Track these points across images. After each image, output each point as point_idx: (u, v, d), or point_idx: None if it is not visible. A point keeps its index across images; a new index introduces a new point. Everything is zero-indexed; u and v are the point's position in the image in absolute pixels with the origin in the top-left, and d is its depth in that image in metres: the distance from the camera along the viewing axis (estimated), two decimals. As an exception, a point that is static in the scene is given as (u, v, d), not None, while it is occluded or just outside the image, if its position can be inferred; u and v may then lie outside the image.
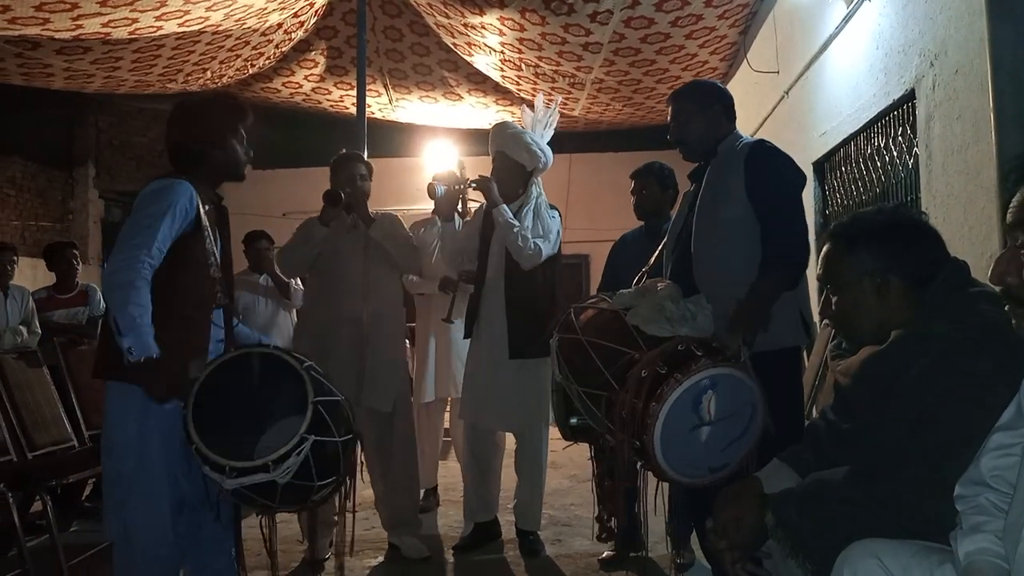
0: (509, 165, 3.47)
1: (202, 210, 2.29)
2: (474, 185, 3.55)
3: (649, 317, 2.21)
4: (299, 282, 5.09)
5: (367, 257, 3.41)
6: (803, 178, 2.54)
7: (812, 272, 2.35)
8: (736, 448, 2.14)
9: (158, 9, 4.93)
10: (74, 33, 5.14)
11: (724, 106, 2.62)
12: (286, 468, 2.06)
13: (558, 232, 3.51)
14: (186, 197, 2.23)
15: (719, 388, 2.07)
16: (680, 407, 2.03)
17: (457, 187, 3.59)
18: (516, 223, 3.38)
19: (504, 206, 3.40)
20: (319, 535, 3.31)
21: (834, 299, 1.75)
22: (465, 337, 3.65)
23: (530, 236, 3.37)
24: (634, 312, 2.24)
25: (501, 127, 3.59)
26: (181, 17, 5.18)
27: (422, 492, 4.22)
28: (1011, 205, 1.23)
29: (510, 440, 3.68)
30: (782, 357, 2.41)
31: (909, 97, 3.18)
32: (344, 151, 3.62)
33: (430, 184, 3.48)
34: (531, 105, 3.59)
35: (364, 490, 3.27)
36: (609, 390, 2.16)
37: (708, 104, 2.60)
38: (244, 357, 2.26)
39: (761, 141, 2.61)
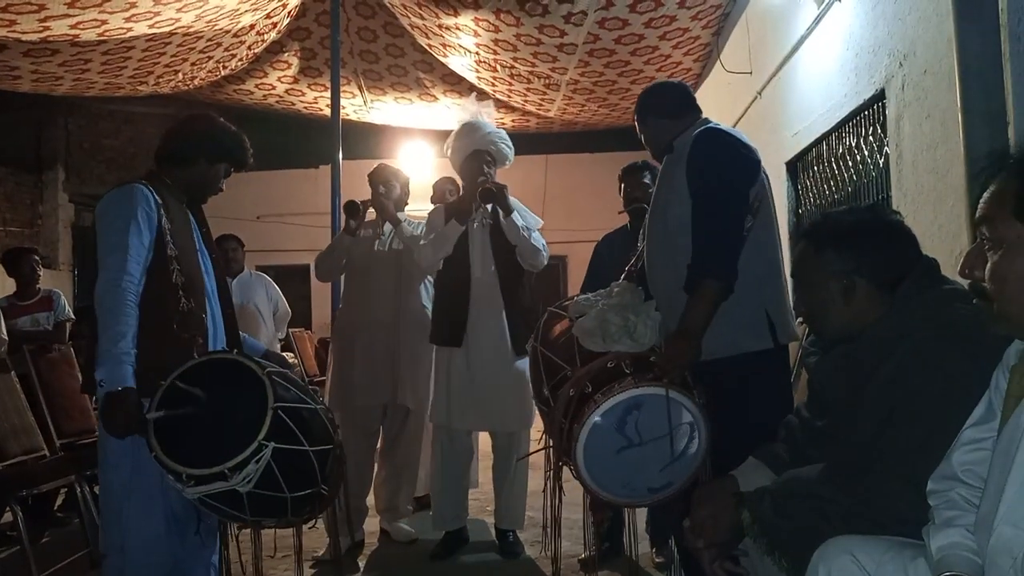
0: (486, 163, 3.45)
1: (163, 213, 2.20)
2: (491, 186, 3.34)
3: (589, 330, 2.15)
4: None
5: (399, 260, 3.63)
6: (747, 170, 2.27)
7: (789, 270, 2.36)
8: (680, 468, 2.07)
9: (128, 10, 4.86)
10: (41, 35, 5.06)
11: (665, 111, 2.48)
12: (245, 476, 1.94)
13: None
14: (144, 201, 2.16)
15: (646, 408, 1.99)
16: (602, 428, 1.97)
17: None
18: (529, 228, 3.39)
19: (517, 212, 3.38)
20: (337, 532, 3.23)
21: (804, 297, 1.76)
22: (451, 344, 3.42)
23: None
24: (579, 323, 2.19)
25: (474, 126, 3.49)
26: (151, 19, 5.12)
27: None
28: (980, 202, 1.24)
29: (483, 444, 3.66)
30: (743, 362, 2.21)
31: (879, 97, 3.21)
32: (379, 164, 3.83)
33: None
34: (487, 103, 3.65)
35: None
36: (548, 406, 2.16)
37: (643, 117, 2.54)
38: (208, 365, 2.13)
39: (705, 129, 2.36)
